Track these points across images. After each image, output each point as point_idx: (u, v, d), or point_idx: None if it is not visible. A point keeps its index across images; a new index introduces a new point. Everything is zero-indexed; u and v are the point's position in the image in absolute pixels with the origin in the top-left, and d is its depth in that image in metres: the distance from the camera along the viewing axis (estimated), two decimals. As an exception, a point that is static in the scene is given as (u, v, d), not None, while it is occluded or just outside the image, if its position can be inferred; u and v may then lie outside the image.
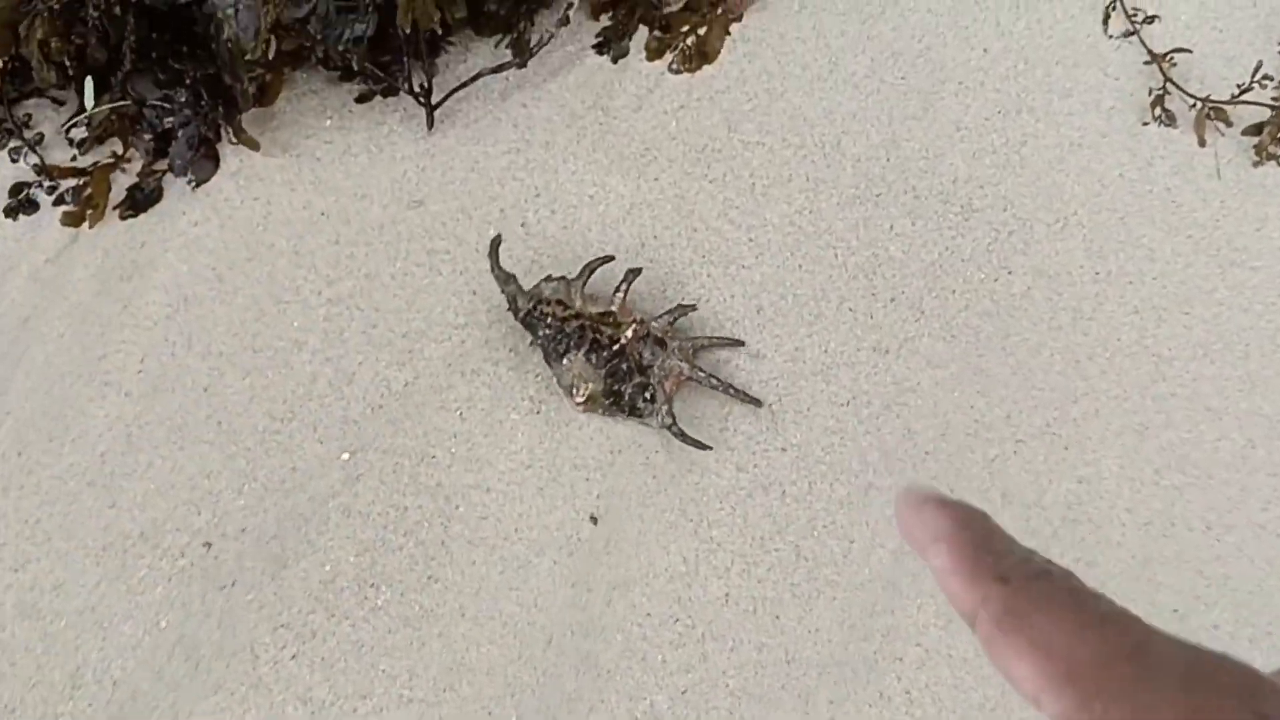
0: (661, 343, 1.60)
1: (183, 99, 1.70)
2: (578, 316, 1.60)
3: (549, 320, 1.59)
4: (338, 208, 1.73)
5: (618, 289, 1.62)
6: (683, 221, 1.74)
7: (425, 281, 1.69)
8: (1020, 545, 0.49)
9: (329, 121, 1.77)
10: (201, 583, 1.51)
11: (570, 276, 1.62)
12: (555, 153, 1.77)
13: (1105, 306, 1.72)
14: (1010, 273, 1.74)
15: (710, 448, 1.59)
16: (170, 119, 1.72)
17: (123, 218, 1.69)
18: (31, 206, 1.69)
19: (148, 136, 1.72)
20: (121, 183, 1.72)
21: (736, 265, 1.71)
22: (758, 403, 1.63)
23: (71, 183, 1.70)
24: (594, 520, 1.57)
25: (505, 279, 1.59)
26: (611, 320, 1.61)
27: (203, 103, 1.70)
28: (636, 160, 1.77)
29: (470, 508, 1.57)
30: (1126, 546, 1.59)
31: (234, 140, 1.71)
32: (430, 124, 1.73)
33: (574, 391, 1.58)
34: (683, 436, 1.58)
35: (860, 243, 1.74)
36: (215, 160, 1.72)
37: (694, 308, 1.66)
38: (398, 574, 1.52)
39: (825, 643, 1.52)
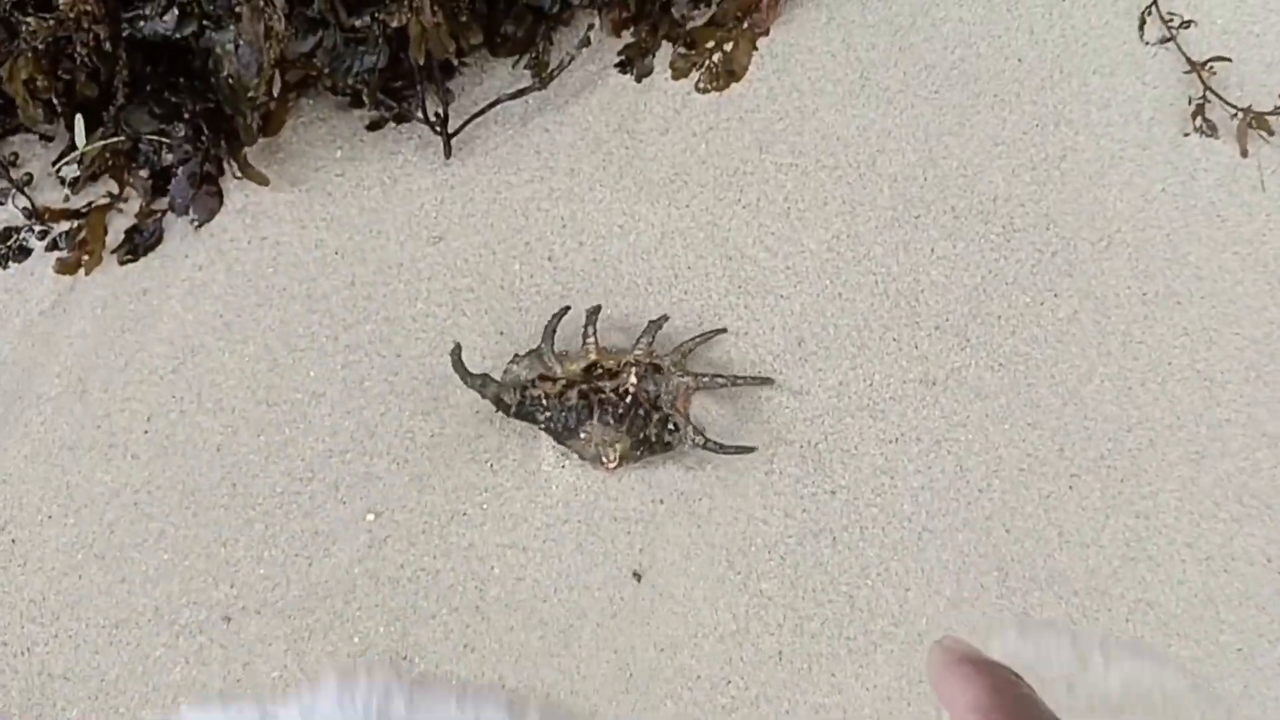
0: (656, 368, 1.53)
1: (181, 133, 1.60)
2: (570, 385, 1.51)
3: (544, 403, 1.50)
4: (352, 245, 1.63)
5: (585, 335, 1.55)
6: (716, 250, 1.65)
7: (449, 322, 1.60)
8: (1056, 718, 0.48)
9: (339, 152, 1.67)
10: (222, 662, 1.42)
11: (536, 346, 1.55)
12: (581, 180, 1.68)
13: (1155, 329, 1.66)
14: (1056, 295, 1.67)
15: (754, 448, 1.53)
16: (169, 155, 1.61)
17: (121, 263, 1.59)
18: (23, 253, 1.58)
19: (145, 174, 1.61)
20: (119, 225, 1.61)
21: (774, 295, 1.63)
22: (769, 381, 1.58)
23: (64, 226, 1.59)
24: (637, 577, 1.50)
25: (480, 383, 1.50)
26: (605, 372, 1.53)
27: (203, 137, 1.60)
28: (666, 186, 1.68)
29: (506, 568, 1.49)
30: (1188, 584, 1.53)
31: (239, 175, 1.61)
32: (448, 152, 1.64)
33: (603, 459, 1.50)
34: (721, 448, 1.52)
35: (901, 268, 1.66)
36: (219, 197, 1.62)
37: (723, 330, 1.61)
38: (431, 644, 1.44)
39: (884, 699, 1.45)
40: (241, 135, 1.58)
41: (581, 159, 1.69)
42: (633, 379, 1.51)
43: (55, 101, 1.55)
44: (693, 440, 1.53)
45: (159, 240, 1.59)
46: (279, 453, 1.52)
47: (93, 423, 1.53)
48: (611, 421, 1.50)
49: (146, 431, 1.53)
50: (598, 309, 1.56)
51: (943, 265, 1.67)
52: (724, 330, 1.60)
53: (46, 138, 1.63)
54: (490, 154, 1.68)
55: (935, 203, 1.70)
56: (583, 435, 1.51)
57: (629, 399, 1.51)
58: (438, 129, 1.62)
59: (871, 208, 1.69)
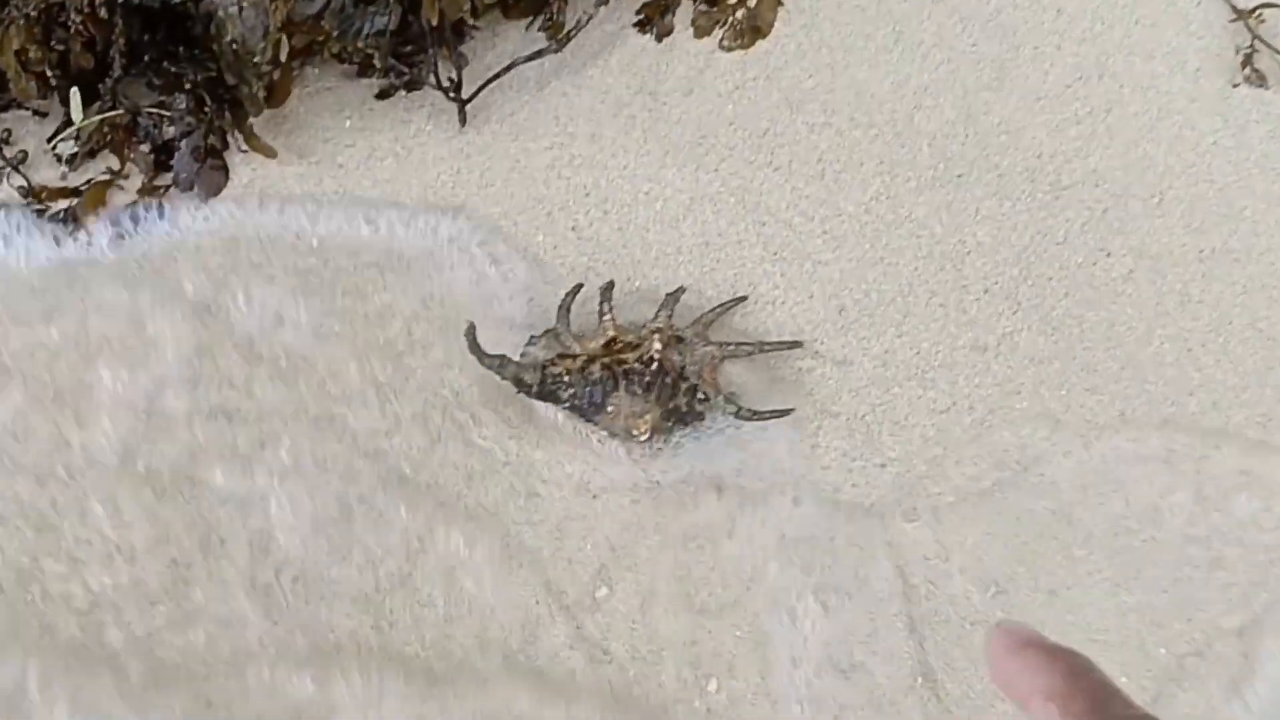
0: (680, 339, 1.45)
1: (183, 105, 1.51)
2: (591, 359, 1.43)
3: (566, 379, 1.42)
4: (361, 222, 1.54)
5: (601, 311, 1.47)
6: (748, 215, 1.57)
7: (466, 299, 1.51)
8: (1136, 706, 0.45)
9: (348, 122, 1.59)
10: None
11: (551, 326, 1.47)
12: (603, 146, 1.59)
13: (1213, 288, 1.57)
14: (1109, 255, 1.58)
15: (791, 409, 1.44)
16: (170, 128, 1.52)
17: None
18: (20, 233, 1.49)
19: (146, 149, 1.52)
20: (119, 201, 1.52)
21: (811, 261, 1.55)
22: (797, 344, 1.50)
23: (63, 204, 1.50)
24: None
25: (498, 364, 1.42)
26: (626, 344, 1.45)
27: (206, 108, 1.51)
28: (692, 150, 1.59)
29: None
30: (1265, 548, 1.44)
31: (244, 149, 1.53)
32: (462, 120, 1.55)
33: (633, 431, 1.42)
34: (755, 414, 1.44)
35: (945, 229, 1.58)
36: (224, 172, 1.53)
37: (744, 299, 1.53)
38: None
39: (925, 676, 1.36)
40: (246, 105, 1.50)
41: (602, 124, 1.60)
42: (657, 344, 1.43)
43: (49, 74, 1.47)
44: (724, 409, 1.45)
45: (162, 217, 1.51)
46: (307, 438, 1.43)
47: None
48: (639, 391, 1.42)
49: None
50: (611, 285, 1.48)
51: (989, 225, 1.58)
52: (744, 299, 1.52)
53: (40, 113, 1.55)
54: (506, 121, 1.59)
55: (977, 161, 1.62)
56: (610, 409, 1.43)
57: (655, 366, 1.42)
58: (451, 95, 1.54)
59: (910, 167, 1.60)
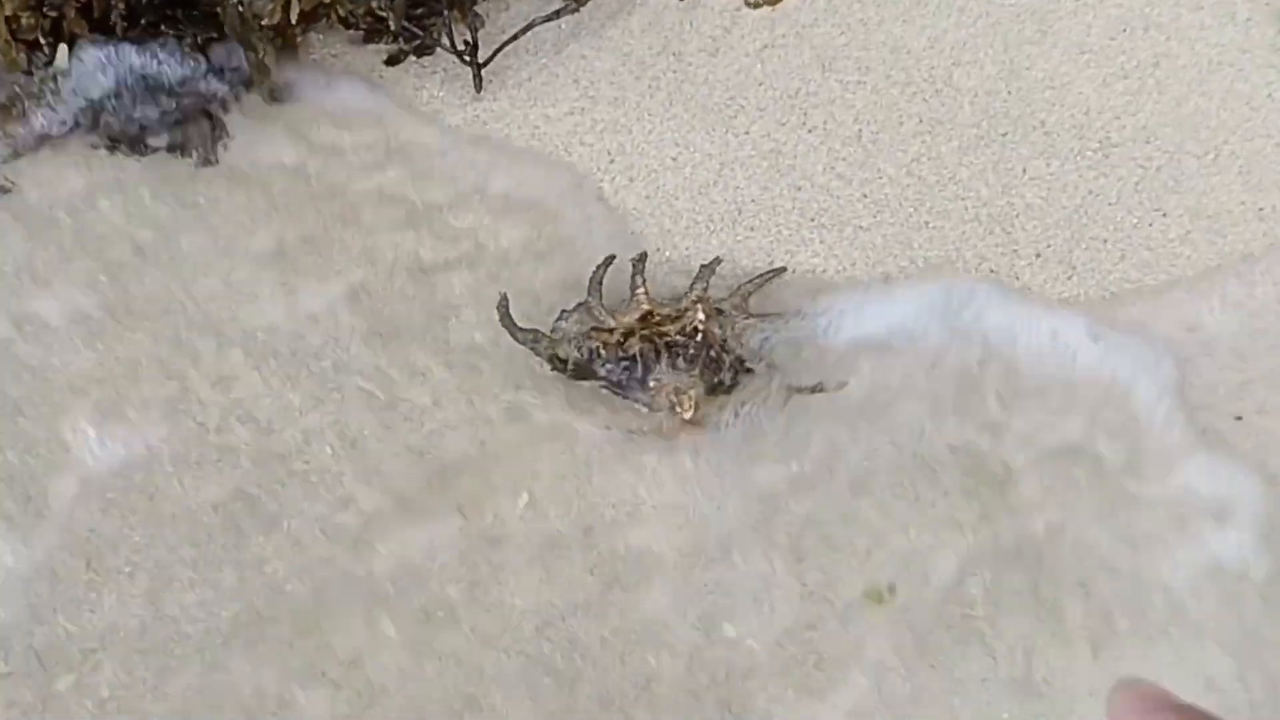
0: (719, 311, 1.37)
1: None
2: (629, 333, 1.34)
3: (603, 354, 1.33)
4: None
5: (634, 284, 1.39)
6: (782, 180, 1.48)
7: (492, 274, 1.42)
8: None
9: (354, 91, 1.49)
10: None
11: (583, 300, 1.38)
12: (626, 110, 1.50)
13: (1277, 247, 1.48)
14: (1165, 215, 1.49)
15: (844, 383, 1.37)
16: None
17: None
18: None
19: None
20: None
21: (853, 226, 1.46)
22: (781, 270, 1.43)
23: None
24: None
25: (532, 338, 1.33)
26: (664, 316, 1.36)
27: (208, 75, 1.42)
28: (721, 112, 1.51)
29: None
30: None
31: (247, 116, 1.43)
32: (478, 85, 1.46)
33: (678, 408, 1.33)
34: (799, 389, 1.36)
35: (992, 190, 1.49)
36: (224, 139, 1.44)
37: (783, 270, 1.44)
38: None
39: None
40: (253, 72, 1.41)
41: (625, 87, 1.51)
42: (700, 315, 1.34)
43: (42, 41, 1.37)
44: (766, 381, 1.37)
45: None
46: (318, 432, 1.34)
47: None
48: (683, 365, 1.33)
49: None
50: (644, 256, 1.40)
51: (1037, 186, 1.49)
52: (783, 270, 1.43)
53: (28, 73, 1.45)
54: (524, 85, 1.50)
55: (1022, 118, 1.53)
56: (651, 385, 1.34)
57: (699, 338, 1.33)
58: (466, 59, 1.45)
59: (952, 126, 1.52)
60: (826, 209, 1.47)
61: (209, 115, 1.43)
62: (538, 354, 1.34)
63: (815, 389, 1.36)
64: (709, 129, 1.50)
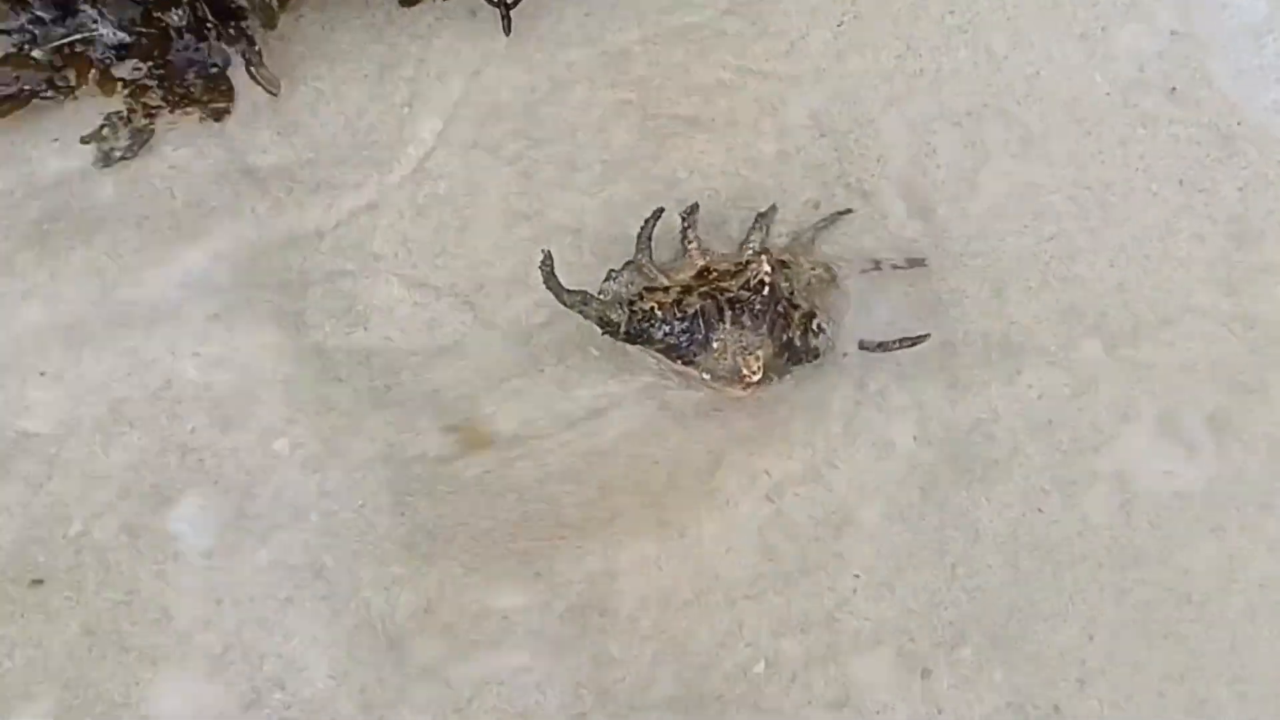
0: (782, 263, 1.25)
1: (180, 19, 1.27)
2: (686, 291, 1.22)
3: (659, 315, 1.20)
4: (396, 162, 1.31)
5: (685, 239, 1.27)
6: (845, 111, 1.35)
7: (528, 235, 1.29)
8: None
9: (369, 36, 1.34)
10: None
11: (631, 259, 1.26)
12: (670, 47, 1.34)
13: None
14: None
15: (925, 335, 1.25)
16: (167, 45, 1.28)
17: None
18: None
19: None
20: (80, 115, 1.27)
21: (924, 159, 1.32)
22: (921, 261, 1.30)
23: None
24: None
25: (580, 300, 1.20)
26: (724, 271, 1.24)
27: (208, 25, 1.27)
28: (778, 38, 1.35)
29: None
30: None
31: (256, 75, 1.29)
32: (507, 27, 1.32)
33: (743, 371, 1.21)
34: (881, 345, 1.25)
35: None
36: (229, 94, 1.30)
37: (849, 211, 1.31)
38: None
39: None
40: (258, 14, 1.26)
41: (665, 17, 1.35)
42: (765, 266, 1.21)
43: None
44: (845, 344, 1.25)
45: (148, 137, 1.27)
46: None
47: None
48: (748, 322, 1.20)
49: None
50: (695, 207, 1.28)
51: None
52: (849, 211, 1.30)
53: (3, 32, 1.30)
54: (557, 25, 1.35)
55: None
56: (715, 345, 1.21)
57: (765, 291, 1.20)
58: (494, -1, 1.30)
59: None
60: (895, 142, 1.33)
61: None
62: (586, 317, 1.21)
63: (894, 345, 1.23)
64: (763, 58, 1.35)
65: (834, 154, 1.32)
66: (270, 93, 1.31)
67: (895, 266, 1.30)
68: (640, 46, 1.34)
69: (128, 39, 1.27)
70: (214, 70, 1.30)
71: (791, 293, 1.24)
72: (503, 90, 1.33)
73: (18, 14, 1.27)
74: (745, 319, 1.21)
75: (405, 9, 1.34)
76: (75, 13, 1.27)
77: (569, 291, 1.20)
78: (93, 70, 1.30)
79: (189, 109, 1.30)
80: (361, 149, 1.30)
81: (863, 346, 1.25)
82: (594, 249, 1.29)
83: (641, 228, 1.27)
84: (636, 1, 1.36)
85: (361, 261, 1.28)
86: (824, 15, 1.35)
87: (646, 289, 1.23)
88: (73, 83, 1.29)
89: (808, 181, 1.31)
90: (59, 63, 1.30)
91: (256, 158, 1.30)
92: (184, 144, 1.30)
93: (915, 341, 1.26)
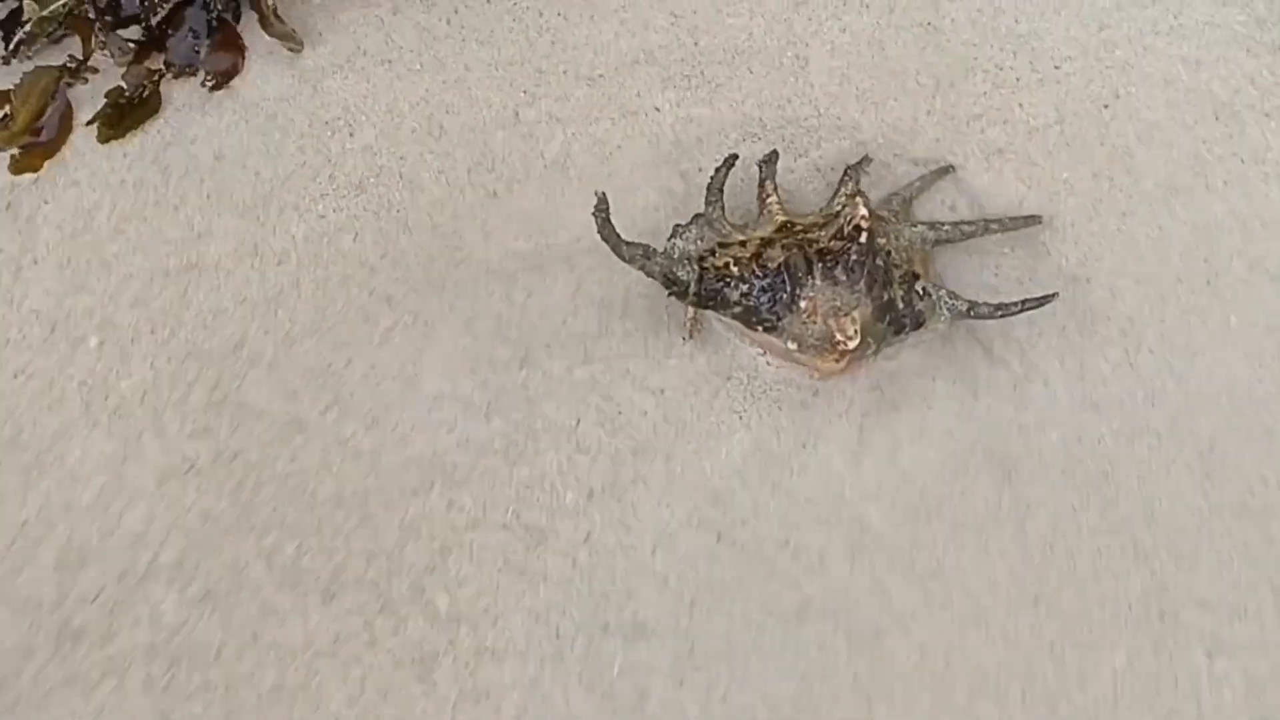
0: (880, 218, 1.06)
1: (180, -37, 1.13)
2: (767, 243, 1.03)
3: (734, 271, 1.01)
4: (430, 103, 1.14)
5: (763, 189, 1.09)
6: (940, 55, 1.16)
7: (575, 186, 1.11)
8: None
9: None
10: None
11: (699, 212, 1.08)
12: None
13: None
14: None
15: (1052, 295, 1.05)
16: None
17: (103, 139, 1.10)
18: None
19: (126, 30, 1.14)
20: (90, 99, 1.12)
21: (1028, 110, 1.14)
22: (1036, 220, 1.10)
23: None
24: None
25: (642, 254, 1.01)
26: (810, 225, 1.05)
27: (211, -33, 1.13)
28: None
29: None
30: None
31: (261, 27, 1.14)
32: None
33: (838, 336, 1.00)
34: (1000, 309, 1.05)
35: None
36: (239, 49, 1.14)
37: (950, 169, 1.14)
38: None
39: None
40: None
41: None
42: (861, 210, 1.01)
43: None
44: (950, 306, 1.05)
45: (155, 107, 1.11)
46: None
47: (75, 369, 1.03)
48: (842, 277, 1.01)
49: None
50: (774, 155, 1.11)
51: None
52: (951, 169, 1.13)
53: (-8, -6, 1.17)
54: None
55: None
56: (803, 306, 1.01)
57: (863, 239, 1.01)
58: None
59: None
60: (1004, 81, 1.15)
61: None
62: (648, 274, 1.02)
63: (1015, 308, 1.04)
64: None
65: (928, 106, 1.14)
66: (291, 50, 1.16)
67: (1007, 228, 1.10)
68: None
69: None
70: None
71: (889, 252, 1.04)
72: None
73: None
74: (839, 272, 1.02)
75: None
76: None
77: (628, 244, 1.01)
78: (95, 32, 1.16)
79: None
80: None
81: (975, 313, 1.05)
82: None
83: (712, 177, 1.09)
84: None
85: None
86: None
87: (720, 244, 1.05)
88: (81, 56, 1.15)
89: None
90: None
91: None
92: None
93: (1041, 302, 1.05)
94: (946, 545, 1.02)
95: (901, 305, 1.03)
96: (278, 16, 1.16)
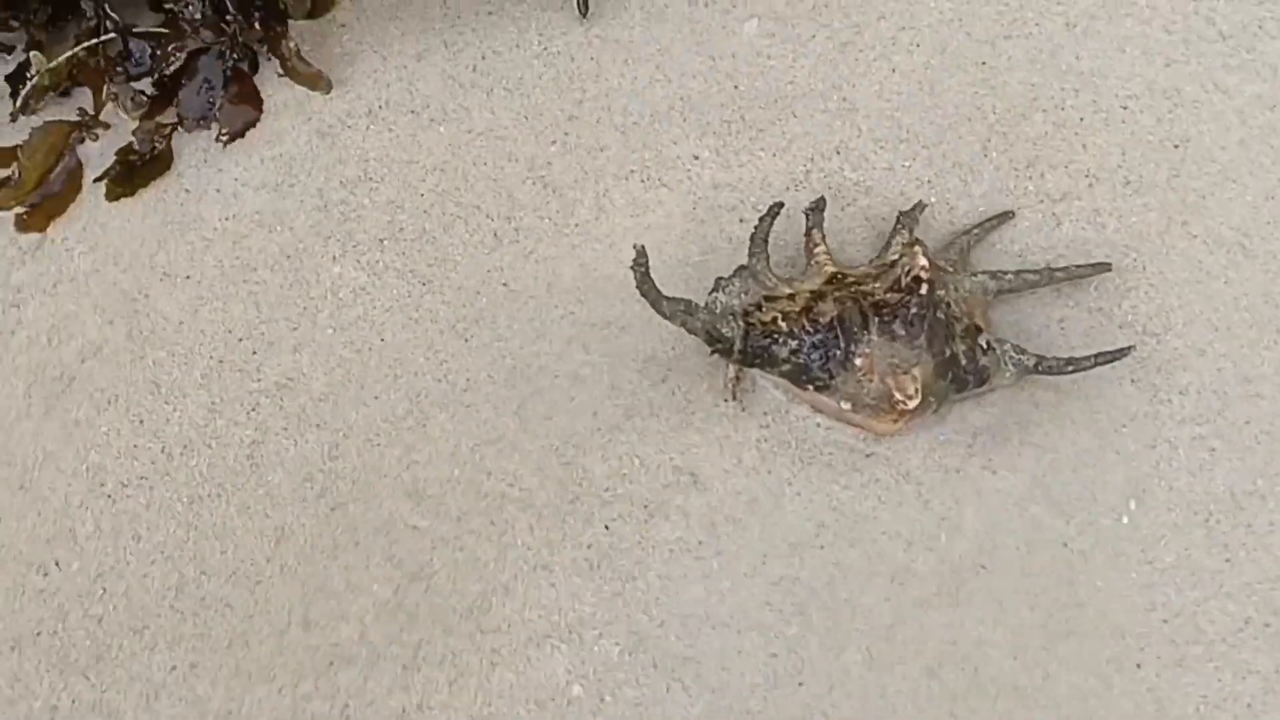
0: (938, 268, 0.99)
1: (195, 13, 1.07)
2: (818, 296, 0.95)
3: (783, 326, 0.94)
4: (457, 154, 1.08)
5: (810, 239, 1.02)
6: (997, 96, 1.09)
7: (610, 241, 1.04)
8: None
9: (422, 27, 1.14)
10: None
11: (742, 264, 1.01)
12: (783, 23, 1.13)
13: None
14: None
15: (1128, 348, 0.98)
16: (180, 47, 1.09)
17: (112, 197, 1.04)
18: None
19: (138, 83, 1.09)
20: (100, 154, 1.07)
21: (1096, 150, 1.07)
22: (1105, 267, 1.02)
23: (4, 172, 1.07)
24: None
25: (683, 310, 0.94)
26: (863, 276, 0.99)
27: (228, 18, 1.07)
28: (910, 10, 1.13)
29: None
30: None
31: (282, 73, 1.08)
32: (584, 8, 1.11)
33: (896, 394, 0.93)
34: (1071, 364, 0.97)
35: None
36: (255, 101, 1.09)
37: (1009, 215, 1.06)
38: None
39: None
40: (289, 6, 1.07)
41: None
42: (920, 260, 0.94)
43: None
44: (1016, 361, 0.97)
45: (167, 163, 1.05)
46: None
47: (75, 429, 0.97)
48: (901, 331, 0.93)
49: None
50: (821, 203, 1.04)
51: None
52: (1011, 215, 1.05)
53: (3, 47, 1.12)
54: (641, 5, 1.15)
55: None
56: (858, 363, 0.94)
57: (923, 290, 0.93)
58: (565, -29, 1.11)
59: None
60: (1064, 123, 1.08)
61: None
62: (690, 331, 0.94)
63: (1087, 362, 0.96)
64: (896, 31, 1.12)
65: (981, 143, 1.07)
66: (319, 92, 1.11)
67: (1073, 276, 1.02)
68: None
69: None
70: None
71: (949, 303, 0.97)
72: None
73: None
74: (897, 327, 0.94)
75: None
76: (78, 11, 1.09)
77: (668, 299, 0.94)
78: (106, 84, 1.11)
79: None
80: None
81: (1043, 368, 0.97)
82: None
83: (756, 227, 1.02)
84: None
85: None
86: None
87: (766, 298, 0.98)
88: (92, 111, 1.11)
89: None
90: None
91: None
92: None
93: (1114, 356, 0.97)
94: (1017, 624, 0.94)
95: (964, 361, 0.96)
96: (301, 58, 1.11)
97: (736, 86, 1.10)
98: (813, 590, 0.96)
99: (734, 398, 1.02)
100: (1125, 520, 0.97)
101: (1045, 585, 0.95)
